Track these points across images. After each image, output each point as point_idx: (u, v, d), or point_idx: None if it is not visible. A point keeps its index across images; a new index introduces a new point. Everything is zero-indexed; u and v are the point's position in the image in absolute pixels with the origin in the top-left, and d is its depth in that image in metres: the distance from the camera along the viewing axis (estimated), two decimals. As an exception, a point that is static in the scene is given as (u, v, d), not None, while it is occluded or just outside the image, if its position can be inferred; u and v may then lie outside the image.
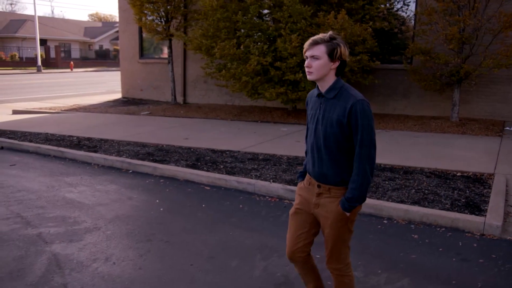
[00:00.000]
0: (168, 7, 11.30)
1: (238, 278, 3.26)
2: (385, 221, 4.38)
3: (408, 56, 10.59)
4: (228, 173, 5.64)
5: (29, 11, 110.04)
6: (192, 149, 7.02)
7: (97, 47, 51.57)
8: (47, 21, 48.55)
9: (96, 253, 3.67)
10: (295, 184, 5.17)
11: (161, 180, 5.72)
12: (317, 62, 2.26)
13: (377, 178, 5.41)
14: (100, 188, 5.44)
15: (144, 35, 14.52)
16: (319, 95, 2.39)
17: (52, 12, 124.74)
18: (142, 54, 14.84)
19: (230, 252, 3.68)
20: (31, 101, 15.44)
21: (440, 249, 3.75)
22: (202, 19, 9.82)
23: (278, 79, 9.28)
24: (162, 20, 11.79)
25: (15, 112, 12.54)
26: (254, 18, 8.91)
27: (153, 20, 11.80)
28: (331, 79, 2.32)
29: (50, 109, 12.67)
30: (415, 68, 9.44)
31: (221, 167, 5.95)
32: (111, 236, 4.03)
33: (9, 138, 8.06)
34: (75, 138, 8.02)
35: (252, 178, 5.38)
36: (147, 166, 6.04)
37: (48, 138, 7.97)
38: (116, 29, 53.31)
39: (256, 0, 8.76)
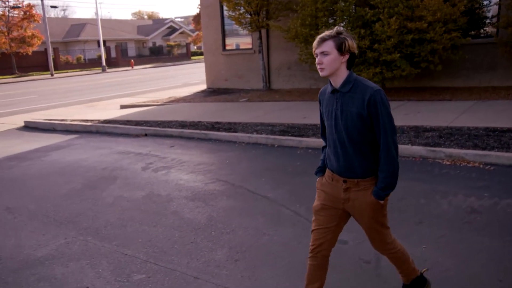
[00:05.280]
0: (261, 0, 12.29)
1: (430, 212, 4.24)
2: (526, 170, 5.23)
3: (486, 31, 11.12)
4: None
5: (78, 15, 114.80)
6: (317, 126, 8.04)
7: (150, 44, 53.72)
8: (104, 23, 50.93)
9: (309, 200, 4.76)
10: (433, 145, 6.07)
11: (309, 151, 6.77)
12: (327, 58, 2.32)
13: (505, 138, 6.22)
14: (263, 158, 6.56)
15: (226, 27, 15.69)
16: (333, 91, 2.43)
17: (95, 14, 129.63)
18: (224, 46, 15.99)
19: (413, 195, 4.66)
20: (124, 97, 16.99)
21: None
22: (299, 10, 10.72)
23: (373, 60, 10.11)
24: (252, 13, 12.82)
25: (122, 106, 14.02)
26: (352, 6, 9.75)
27: (243, 13, 12.87)
28: (343, 73, 2.38)
29: (153, 102, 14.07)
30: (506, 40, 9.99)
31: (357, 137, 6.94)
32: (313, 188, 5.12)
33: (148, 126, 9.38)
34: (205, 122, 9.23)
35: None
36: (292, 140, 7.11)
37: (182, 124, 9.22)
38: (167, 25, 55.31)
39: (354, -11, 9.61)
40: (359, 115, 2.32)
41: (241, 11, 12.79)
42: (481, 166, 5.45)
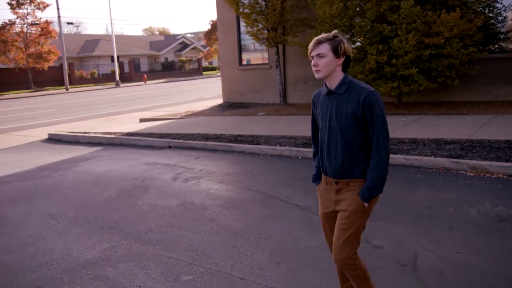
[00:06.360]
0: (278, 17, 12.63)
1: (459, 219, 4.38)
2: (550, 181, 5.36)
3: (502, 46, 11.30)
4: (390, 153, 6.77)
5: (90, 31, 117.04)
6: (339, 138, 8.21)
7: (162, 60, 54.52)
8: (117, 39, 51.84)
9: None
10: (456, 157, 6.23)
11: (333, 162, 6.94)
12: (323, 60, 2.37)
13: (524, 150, 6.36)
14: (289, 169, 6.75)
15: (243, 44, 16.04)
16: (329, 92, 2.47)
17: (106, 30, 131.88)
18: (241, 61, 16.32)
19: (441, 204, 4.81)
20: (141, 111, 17.33)
21: None
22: (317, 26, 11.00)
23: (391, 75, 10.32)
24: (269, 29, 13.14)
25: (142, 120, 14.33)
26: (370, 22, 10.01)
27: (261, 29, 13.20)
28: (339, 75, 2.42)
29: (171, 115, 14.36)
30: (521, 55, 10.17)
31: (380, 149, 7.11)
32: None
33: (171, 138, 9.62)
34: (227, 135, 9.46)
35: (413, 156, 6.50)
36: (316, 151, 7.29)
37: (205, 137, 9.45)
38: (179, 41, 56.14)
39: (372, 6, 9.88)
40: (354, 116, 2.36)
41: (259, 27, 13.12)
42: (505, 177, 5.59)
